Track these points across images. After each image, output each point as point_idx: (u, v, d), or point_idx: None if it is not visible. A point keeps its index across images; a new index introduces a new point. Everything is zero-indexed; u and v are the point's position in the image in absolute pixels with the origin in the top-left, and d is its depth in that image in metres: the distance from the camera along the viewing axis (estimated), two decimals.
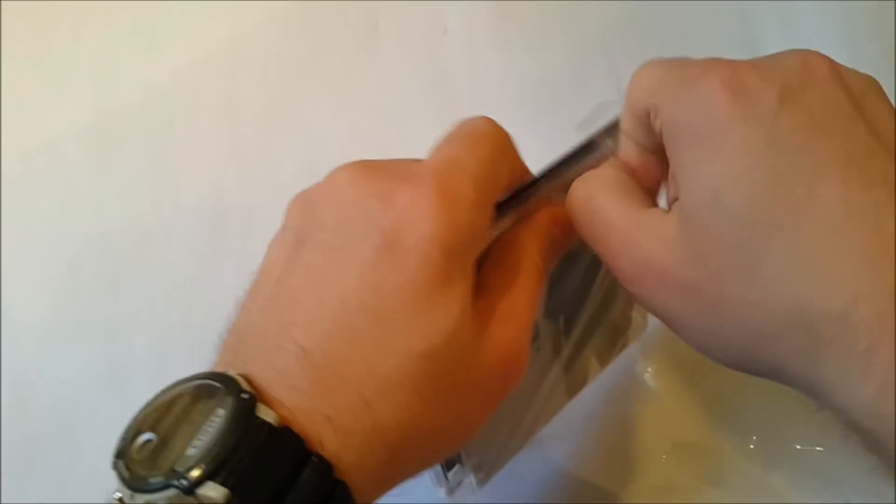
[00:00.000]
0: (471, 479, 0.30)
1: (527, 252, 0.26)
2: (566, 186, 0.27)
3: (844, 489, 0.38)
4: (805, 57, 0.23)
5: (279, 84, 0.49)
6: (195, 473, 0.19)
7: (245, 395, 0.20)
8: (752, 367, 0.23)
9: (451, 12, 0.50)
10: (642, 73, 0.26)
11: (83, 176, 0.48)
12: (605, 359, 0.36)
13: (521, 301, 0.25)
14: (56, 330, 0.44)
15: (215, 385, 0.21)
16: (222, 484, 0.19)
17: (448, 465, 0.29)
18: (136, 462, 0.20)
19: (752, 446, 0.39)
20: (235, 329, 0.24)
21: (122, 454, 0.21)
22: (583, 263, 0.31)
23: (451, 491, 0.30)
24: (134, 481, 0.20)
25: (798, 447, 0.39)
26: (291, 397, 0.21)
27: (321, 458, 0.20)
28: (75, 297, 0.45)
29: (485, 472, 0.31)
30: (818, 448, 0.39)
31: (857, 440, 0.21)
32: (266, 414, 0.20)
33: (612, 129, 0.28)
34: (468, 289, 0.23)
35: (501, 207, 0.27)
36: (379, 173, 0.24)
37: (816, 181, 0.20)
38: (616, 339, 0.36)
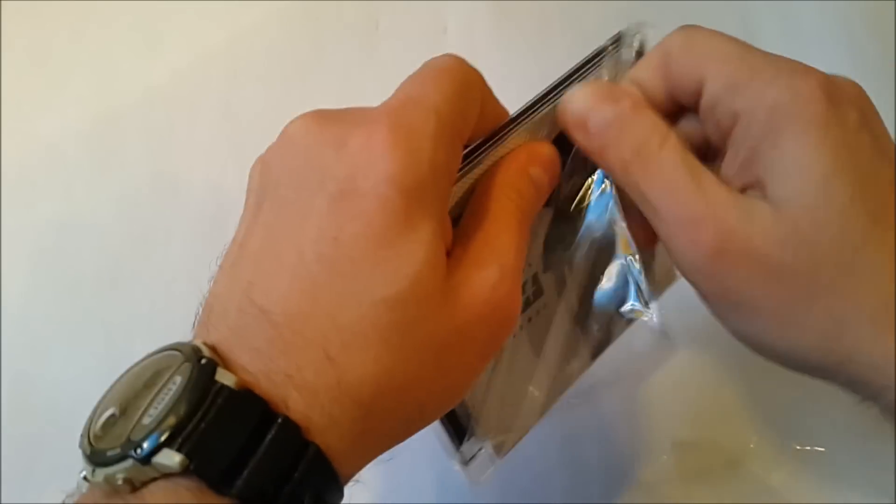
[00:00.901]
0: (487, 449, 0.29)
1: (506, 194, 0.25)
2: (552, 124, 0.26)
3: (844, 489, 0.38)
4: (860, 91, 0.24)
5: (279, 84, 0.49)
6: (150, 441, 0.19)
7: (204, 361, 0.20)
8: (817, 361, 0.23)
9: (451, 12, 0.50)
10: (697, 38, 0.26)
11: (83, 176, 0.48)
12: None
13: (502, 243, 0.23)
14: (56, 330, 0.44)
15: (175, 353, 0.21)
16: (178, 450, 0.18)
17: (459, 436, 0.28)
18: (97, 437, 0.20)
19: (751, 446, 0.39)
20: (206, 302, 0.23)
21: (87, 431, 0.20)
22: (582, 211, 0.29)
23: (465, 463, 0.28)
24: (94, 456, 0.20)
25: (798, 447, 0.39)
26: (253, 360, 0.20)
27: (286, 419, 0.19)
28: (75, 298, 0.45)
29: (501, 440, 0.29)
30: (818, 448, 0.39)
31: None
32: (225, 377, 0.20)
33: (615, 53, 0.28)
34: (436, 230, 0.22)
35: (475, 152, 0.25)
36: (331, 120, 0.23)
37: None
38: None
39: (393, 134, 0.21)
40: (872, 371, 0.22)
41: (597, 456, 0.40)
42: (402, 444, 0.23)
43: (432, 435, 0.27)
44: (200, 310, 0.23)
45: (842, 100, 0.23)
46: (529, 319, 0.29)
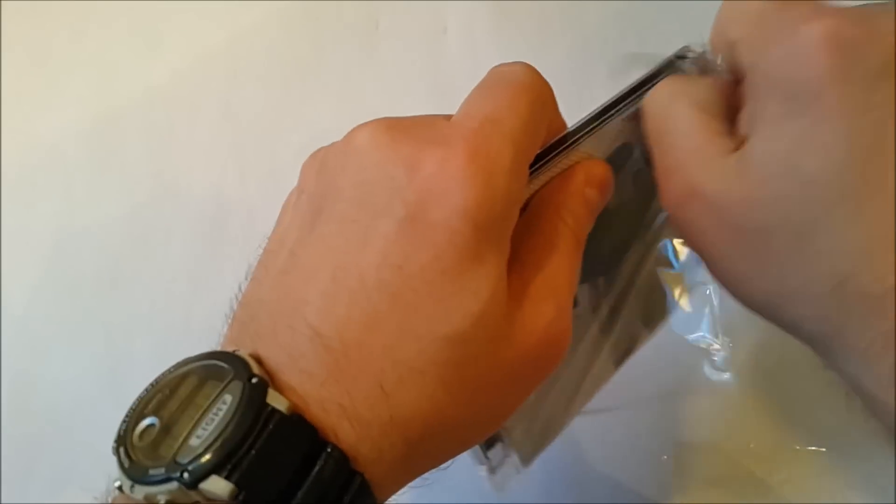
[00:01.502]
0: (514, 458, 0.28)
1: (562, 219, 0.23)
2: (611, 139, 0.25)
3: (844, 489, 0.38)
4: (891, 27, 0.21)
5: (279, 84, 0.49)
6: (198, 466, 0.18)
7: (255, 380, 0.19)
8: (768, 316, 0.23)
9: (451, 12, 0.50)
10: (733, 5, 0.25)
11: (83, 176, 0.48)
12: (651, 322, 0.33)
13: (560, 276, 0.22)
14: (56, 330, 0.44)
15: (223, 366, 0.19)
16: (227, 478, 0.18)
17: (488, 444, 0.27)
18: (136, 449, 0.19)
19: (751, 446, 0.39)
20: (246, 301, 0.22)
21: (123, 440, 0.19)
22: (620, 216, 0.28)
23: (492, 470, 0.28)
24: (134, 471, 0.18)
25: (798, 447, 0.39)
26: (303, 383, 0.19)
27: (336, 449, 0.19)
28: (75, 298, 0.45)
29: (529, 449, 0.29)
30: (818, 448, 0.39)
31: (862, 404, 0.21)
32: (277, 401, 0.19)
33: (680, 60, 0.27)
34: (502, 267, 0.21)
35: (533, 166, 0.24)
36: (405, 135, 0.22)
37: None
38: (662, 298, 0.33)
39: (471, 164, 0.20)
40: (811, 341, 0.22)
41: (596, 454, 0.40)
42: None
43: None
44: (237, 308, 0.22)
45: (855, 46, 0.20)
46: None
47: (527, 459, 0.29)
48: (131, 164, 0.48)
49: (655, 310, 0.33)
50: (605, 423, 0.39)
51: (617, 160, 0.27)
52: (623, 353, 0.32)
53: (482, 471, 0.28)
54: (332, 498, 0.19)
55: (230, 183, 0.47)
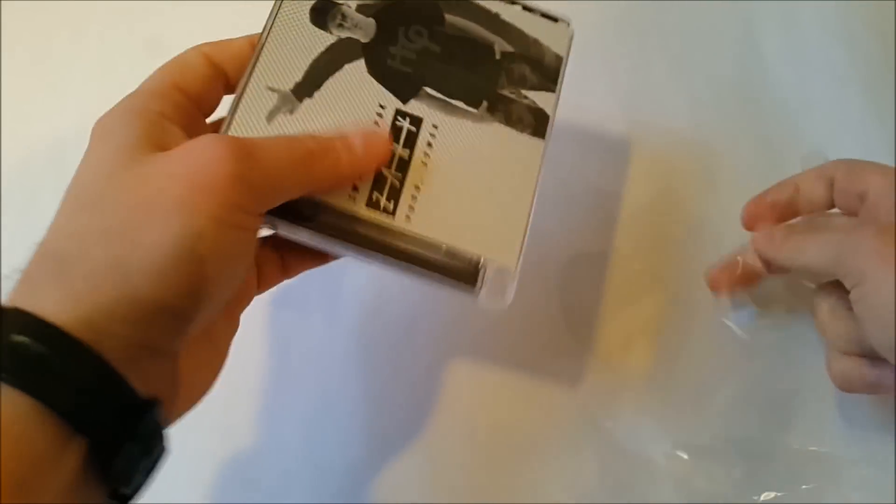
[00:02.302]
0: (500, 271, 0.31)
1: None
2: None
3: (844, 489, 0.38)
4: None
5: None
6: None
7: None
8: None
9: None
10: (858, 164, 0.35)
11: None
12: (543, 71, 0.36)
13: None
14: None
15: None
16: None
17: (463, 278, 0.30)
18: None
19: (752, 446, 0.39)
20: None
21: None
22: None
23: (482, 291, 0.31)
24: None
25: (798, 448, 0.39)
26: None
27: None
28: None
29: (505, 258, 0.31)
30: (818, 448, 0.39)
31: None
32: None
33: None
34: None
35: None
36: None
37: None
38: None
39: None
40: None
41: (593, 447, 0.40)
42: None
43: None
44: None
45: None
46: (429, 145, 0.32)
47: (510, 268, 0.31)
48: None
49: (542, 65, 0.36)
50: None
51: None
52: (531, 120, 0.34)
53: (478, 300, 0.31)
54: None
55: None
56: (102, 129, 0.29)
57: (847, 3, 0.48)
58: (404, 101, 0.32)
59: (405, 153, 0.32)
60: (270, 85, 0.31)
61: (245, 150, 0.26)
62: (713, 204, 0.44)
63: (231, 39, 0.33)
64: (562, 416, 0.40)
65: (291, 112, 0.31)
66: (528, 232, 0.32)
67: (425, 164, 0.32)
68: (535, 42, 0.35)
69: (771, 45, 0.47)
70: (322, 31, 0.33)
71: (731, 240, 0.39)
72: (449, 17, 0.34)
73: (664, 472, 0.39)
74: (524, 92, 0.34)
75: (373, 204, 0.30)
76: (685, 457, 0.39)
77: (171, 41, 0.51)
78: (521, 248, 0.32)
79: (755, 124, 0.46)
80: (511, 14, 0.35)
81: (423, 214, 0.31)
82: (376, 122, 0.32)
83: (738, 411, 0.40)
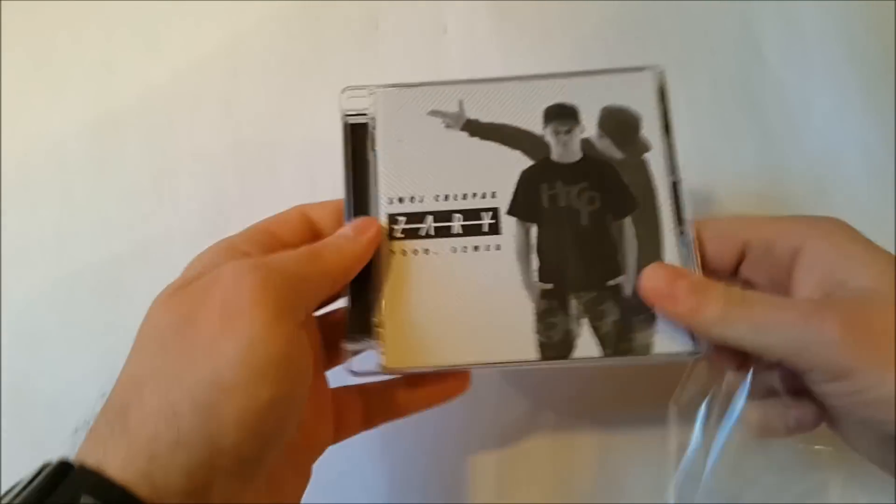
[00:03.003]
0: (377, 354, 0.32)
1: None
2: None
3: (845, 489, 0.38)
4: None
5: (279, 84, 0.49)
6: None
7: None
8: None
9: (451, 12, 0.50)
10: (719, 223, 0.32)
11: (83, 177, 0.48)
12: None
13: None
14: (56, 331, 0.44)
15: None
16: None
17: (356, 325, 0.32)
18: None
19: (752, 445, 0.39)
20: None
21: None
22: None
23: (353, 354, 0.32)
24: None
25: (798, 447, 0.39)
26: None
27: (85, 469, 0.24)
28: (75, 298, 0.45)
29: (398, 354, 0.32)
30: (818, 448, 0.39)
31: None
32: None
33: None
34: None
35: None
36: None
37: None
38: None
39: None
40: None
41: (593, 444, 0.40)
42: None
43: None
44: None
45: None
46: (457, 250, 0.33)
47: (391, 363, 0.31)
48: (131, 164, 0.48)
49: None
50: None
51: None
52: (559, 343, 0.33)
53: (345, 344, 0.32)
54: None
55: (230, 183, 0.47)
56: (188, 265, 0.31)
57: (847, 3, 0.48)
58: (512, 213, 0.34)
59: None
60: None
61: (260, 262, 0.28)
62: (713, 203, 0.44)
63: (327, 201, 0.34)
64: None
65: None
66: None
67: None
68: None
69: (770, 45, 0.47)
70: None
71: None
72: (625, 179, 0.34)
73: None
74: None
75: None
76: None
77: (172, 41, 0.51)
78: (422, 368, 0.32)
79: (755, 124, 0.46)
80: None
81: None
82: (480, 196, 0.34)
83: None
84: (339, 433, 0.33)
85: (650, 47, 0.48)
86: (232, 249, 0.31)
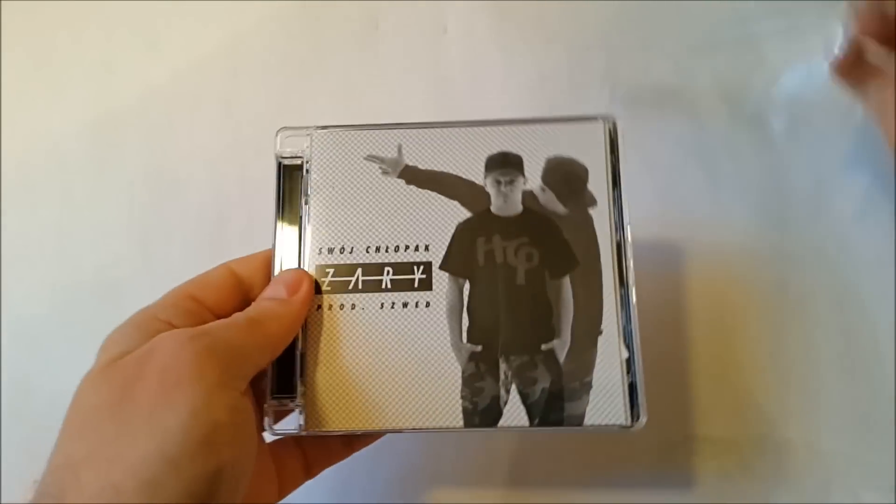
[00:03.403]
0: (299, 414, 0.31)
1: None
2: None
3: (844, 489, 0.38)
4: None
5: (279, 84, 0.49)
6: None
7: None
8: None
9: (451, 12, 0.50)
10: None
11: (83, 176, 0.48)
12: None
13: None
14: (56, 331, 0.44)
15: None
16: None
17: (280, 385, 0.32)
18: None
19: (753, 445, 0.39)
20: None
21: None
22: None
23: (269, 408, 0.31)
24: None
25: (798, 447, 0.39)
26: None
27: None
28: (75, 298, 0.45)
29: (318, 415, 0.31)
30: (819, 448, 0.39)
31: None
32: None
33: None
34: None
35: None
36: None
37: None
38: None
39: None
40: None
41: (603, 445, 0.40)
42: None
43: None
44: None
45: None
46: (384, 305, 0.32)
47: (312, 423, 0.31)
48: (131, 164, 0.48)
49: None
50: None
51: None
52: (483, 409, 0.31)
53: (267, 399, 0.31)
54: None
55: (230, 182, 0.47)
56: (105, 344, 0.29)
57: (847, 3, 0.47)
58: (444, 267, 0.32)
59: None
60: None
61: (199, 331, 0.27)
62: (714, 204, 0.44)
63: (254, 254, 0.33)
64: None
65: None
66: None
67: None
68: None
69: (770, 45, 0.47)
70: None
71: None
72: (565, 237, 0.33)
73: None
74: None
75: None
76: None
77: (172, 41, 0.51)
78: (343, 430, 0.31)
79: (755, 124, 0.46)
80: None
81: None
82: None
83: (739, 411, 0.40)
84: (283, 489, 0.32)
85: (650, 47, 0.48)
86: (153, 321, 0.29)
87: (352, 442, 0.34)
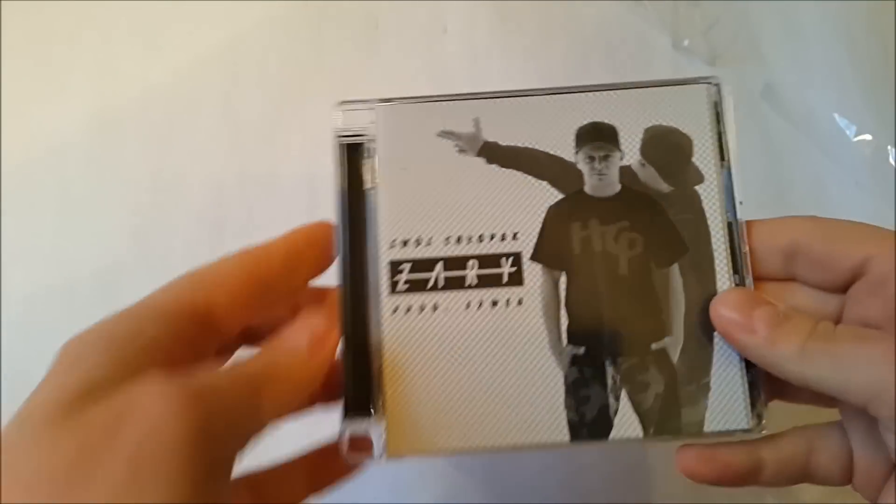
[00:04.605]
0: (378, 440, 0.27)
1: None
2: None
3: (844, 489, 0.38)
4: None
5: (279, 84, 0.49)
6: None
7: None
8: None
9: (451, 12, 0.50)
10: (838, 226, 0.26)
11: (83, 177, 0.48)
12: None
13: None
14: (56, 331, 0.44)
15: None
16: None
17: (354, 404, 0.27)
18: None
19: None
20: None
21: None
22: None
23: (341, 436, 0.27)
24: None
25: None
26: None
27: None
28: (75, 298, 0.45)
29: (401, 441, 0.28)
30: None
31: None
32: None
33: None
34: None
35: None
36: None
37: None
38: None
39: None
40: None
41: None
42: None
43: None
44: None
45: None
46: (471, 305, 0.28)
47: (393, 451, 0.27)
48: (131, 164, 0.48)
49: None
50: None
51: None
52: (582, 422, 0.28)
53: (339, 426, 0.27)
54: None
55: (230, 182, 0.47)
56: (65, 355, 0.24)
57: (847, 3, 0.47)
58: (535, 258, 0.28)
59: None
60: None
61: (192, 390, 0.21)
62: None
63: (273, 241, 0.28)
64: None
65: None
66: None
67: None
68: None
69: (770, 45, 0.47)
70: None
71: None
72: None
73: None
74: None
75: None
76: None
77: (171, 41, 0.51)
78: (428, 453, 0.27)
79: (754, 125, 0.46)
80: None
81: None
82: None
83: None
84: None
85: (649, 47, 0.48)
86: (136, 341, 0.24)
87: (317, 483, 0.29)
